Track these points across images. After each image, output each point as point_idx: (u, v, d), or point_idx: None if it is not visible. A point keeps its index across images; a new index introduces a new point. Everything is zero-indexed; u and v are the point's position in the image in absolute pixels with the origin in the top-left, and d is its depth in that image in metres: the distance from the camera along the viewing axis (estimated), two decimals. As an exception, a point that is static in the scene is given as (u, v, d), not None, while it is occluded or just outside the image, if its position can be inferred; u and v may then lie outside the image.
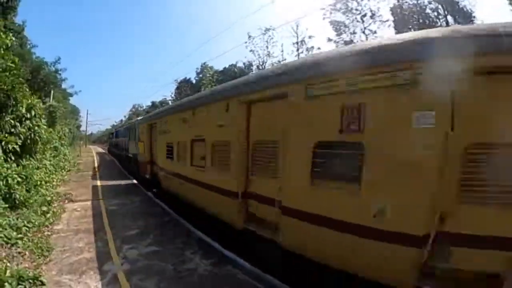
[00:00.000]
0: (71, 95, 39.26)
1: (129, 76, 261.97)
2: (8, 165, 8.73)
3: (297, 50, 45.92)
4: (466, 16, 33.71)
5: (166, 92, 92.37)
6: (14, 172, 8.70)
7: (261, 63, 51.36)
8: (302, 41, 45.43)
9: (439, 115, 3.11)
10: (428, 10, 36.64)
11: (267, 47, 49.48)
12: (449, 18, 34.93)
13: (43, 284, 4.97)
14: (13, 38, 9.67)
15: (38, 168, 11.61)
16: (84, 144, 61.75)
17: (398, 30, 37.55)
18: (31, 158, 10.92)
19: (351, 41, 40.28)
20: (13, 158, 9.07)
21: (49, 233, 7.57)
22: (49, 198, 10.35)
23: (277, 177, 4.99)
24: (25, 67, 11.73)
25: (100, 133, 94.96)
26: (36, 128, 10.54)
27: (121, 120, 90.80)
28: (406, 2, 37.72)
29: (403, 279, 3.32)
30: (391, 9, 38.49)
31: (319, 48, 45.31)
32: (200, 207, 7.82)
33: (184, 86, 62.29)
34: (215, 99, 7.17)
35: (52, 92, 26.00)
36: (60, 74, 30.87)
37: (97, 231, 7.82)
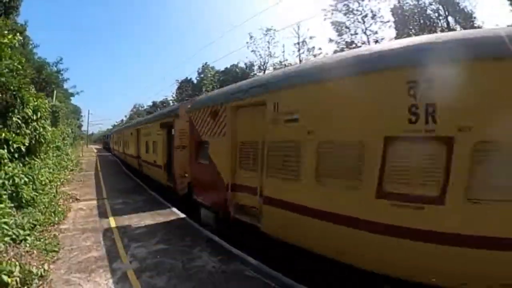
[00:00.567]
0: (72, 95, 39.33)
1: (130, 76, 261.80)
2: (14, 165, 8.77)
3: (298, 50, 45.98)
4: (466, 17, 33.77)
5: (167, 92, 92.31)
6: (20, 172, 8.74)
7: (262, 63, 51.47)
8: (304, 41, 45.49)
9: None
10: (429, 11, 36.70)
11: (268, 47, 49.62)
12: (450, 19, 35.02)
13: (51, 282, 5.03)
14: (20, 38, 9.68)
15: (42, 168, 11.64)
16: (86, 144, 61.82)
17: (399, 31, 37.65)
18: (35, 158, 10.95)
19: (352, 42, 40.35)
20: (17, 157, 9.09)
21: (56, 232, 7.62)
22: (54, 198, 10.41)
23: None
24: (31, 68, 11.72)
25: (101, 133, 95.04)
26: (41, 129, 10.57)
27: (122, 120, 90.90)
28: (407, 3, 37.79)
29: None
30: (392, 10, 38.55)
31: (320, 49, 45.48)
32: None
33: (185, 86, 62.33)
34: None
35: (55, 92, 26.03)
36: (62, 74, 30.98)
37: (103, 230, 7.86)
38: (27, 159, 10.03)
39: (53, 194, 10.80)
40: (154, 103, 73.58)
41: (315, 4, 68.06)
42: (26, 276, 4.93)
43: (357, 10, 40.18)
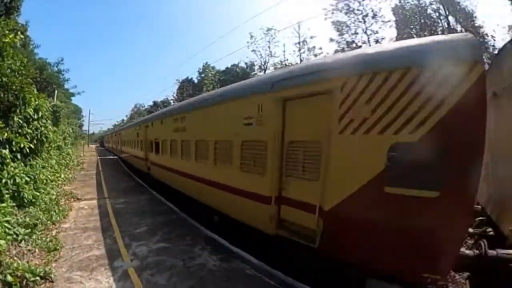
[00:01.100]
0: (73, 95, 39.38)
1: (131, 76, 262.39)
2: (16, 165, 8.81)
3: (299, 50, 45.98)
4: (467, 16, 33.71)
5: (168, 92, 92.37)
6: (21, 172, 8.79)
7: (263, 63, 51.46)
8: (304, 41, 45.50)
9: None
10: (429, 11, 36.64)
11: (269, 47, 49.62)
12: (451, 18, 34.95)
13: (53, 280, 5.07)
14: (21, 36, 9.69)
15: (44, 167, 11.69)
16: (87, 143, 61.94)
17: (400, 31, 37.62)
18: (37, 158, 11.00)
19: (352, 42, 40.34)
20: (19, 157, 9.13)
21: (57, 231, 7.67)
22: (55, 197, 10.46)
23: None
24: (33, 68, 11.72)
25: (102, 133, 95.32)
26: (43, 128, 10.60)
27: (123, 120, 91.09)
28: (408, 2, 37.74)
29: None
30: (393, 9, 38.52)
31: (320, 48, 45.48)
32: None
33: (186, 86, 62.36)
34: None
35: (56, 92, 26.09)
36: (63, 74, 31.00)
37: (104, 229, 7.90)
38: (28, 158, 10.08)
39: (54, 194, 10.85)
40: (155, 103, 73.64)
41: (315, 3, 67.98)
42: (29, 275, 4.98)
43: (357, 10, 40.23)
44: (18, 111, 8.88)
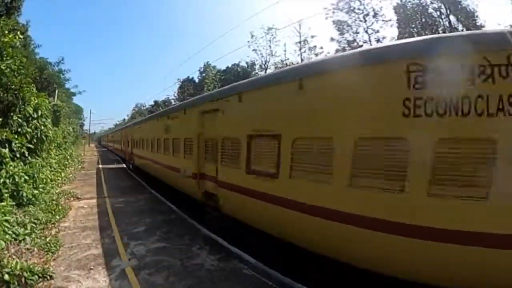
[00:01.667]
0: (74, 94, 39.38)
1: (132, 76, 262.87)
2: (15, 164, 8.83)
3: (300, 49, 45.91)
4: (468, 16, 33.57)
5: (169, 92, 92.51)
6: (21, 171, 8.81)
7: (264, 62, 51.40)
8: (305, 40, 45.43)
9: None
10: (430, 10, 36.53)
11: (270, 46, 49.52)
12: (452, 17, 34.81)
13: (51, 278, 5.08)
14: (21, 36, 9.73)
15: (43, 166, 11.72)
16: (88, 143, 62.05)
17: (401, 30, 37.52)
18: (37, 157, 11.02)
19: (354, 41, 40.26)
20: (18, 156, 9.16)
21: (57, 230, 7.68)
22: (55, 196, 10.48)
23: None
24: (33, 67, 11.76)
25: (103, 132, 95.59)
26: (42, 127, 10.63)
27: (124, 119, 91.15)
28: (409, 1, 37.63)
29: None
30: (395, 8, 38.41)
31: (321, 48, 45.41)
32: None
33: (187, 85, 62.38)
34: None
35: (56, 91, 26.13)
36: (63, 74, 30.99)
37: (103, 228, 7.91)
38: (28, 157, 10.10)
39: (54, 193, 10.87)
40: (156, 102, 73.68)
41: (316, 2, 67.92)
42: (27, 274, 4.99)
43: (358, 9, 40.13)
44: (17, 110, 8.90)
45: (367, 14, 39.83)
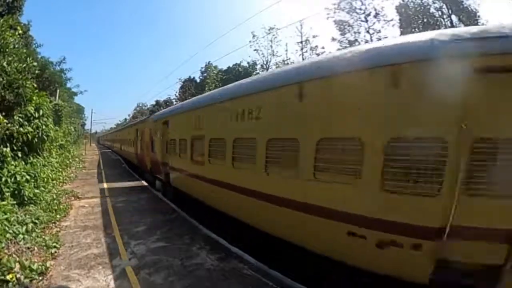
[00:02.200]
0: (75, 94, 39.41)
1: (134, 75, 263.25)
2: (16, 163, 8.85)
3: (301, 49, 45.81)
4: (470, 16, 33.47)
5: (170, 91, 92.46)
6: (22, 170, 8.83)
7: (265, 62, 51.32)
8: (306, 40, 45.33)
9: None
10: (432, 10, 36.43)
11: (271, 46, 49.43)
12: (453, 17, 34.73)
13: (51, 277, 5.08)
14: (20, 32, 9.73)
15: (44, 165, 11.74)
16: (89, 142, 62.17)
17: (403, 29, 37.41)
18: (38, 156, 11.04)
19: (355, 41, 40.16)
20: (20, 155, 9.17)
21: (57, 229, 7.69)
22: (56, 195, 10.50)
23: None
24: (34, 68, 11.78)
25: (105, 132, 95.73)
26: (44, 127, 10.64)
27: (125, 119, 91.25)
28: (411, 1, 37.53)
29: None
30: (397, 8, 38.33)
31: (323, 48, 45.31)
32: None
33: (188, 85, 62.37)
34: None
35: (58, 91, 26.18)
36: (65, 73, 31.04)
37: (104, 228, 7.92)
38: (29, 156, 10.12)
39: (55, 192, 10.89)
40: (157, 102, 73.74)
41: (318, 2, 67.82)
42: (26, 273, 5.00)
43: (360, 9, 40.05)
44: (18, 109, 8.91)
45: (369, 14, 39.76)
